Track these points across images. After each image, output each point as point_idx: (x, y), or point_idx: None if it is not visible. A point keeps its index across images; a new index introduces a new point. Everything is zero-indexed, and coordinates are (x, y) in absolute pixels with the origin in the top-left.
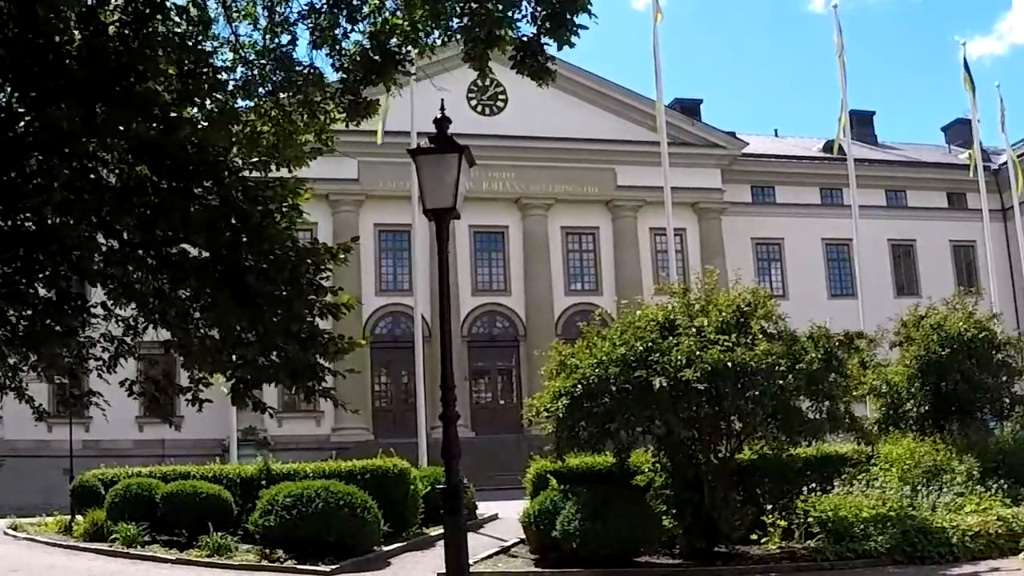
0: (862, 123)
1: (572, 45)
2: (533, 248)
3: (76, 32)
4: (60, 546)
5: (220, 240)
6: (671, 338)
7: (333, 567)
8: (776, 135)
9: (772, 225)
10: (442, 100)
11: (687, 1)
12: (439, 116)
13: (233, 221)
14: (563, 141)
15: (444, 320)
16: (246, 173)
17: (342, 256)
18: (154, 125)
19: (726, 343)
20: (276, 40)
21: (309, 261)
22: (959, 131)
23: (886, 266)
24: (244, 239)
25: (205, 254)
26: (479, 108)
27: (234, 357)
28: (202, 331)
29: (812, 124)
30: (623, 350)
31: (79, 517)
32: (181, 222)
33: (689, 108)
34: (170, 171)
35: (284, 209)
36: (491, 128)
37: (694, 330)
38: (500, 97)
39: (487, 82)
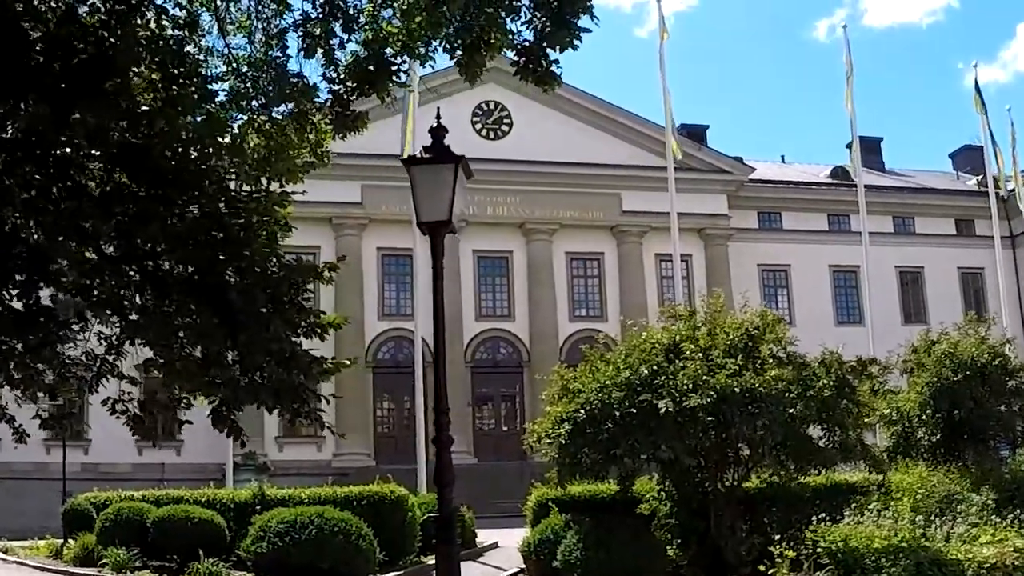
0: (870, 149)
1: (575, 48)
2: (537, 273)
3: (50, 26)
4: (49, 570)
5: (200, 253)
6: (677, 362)
7: None
8: (783, 161)
9: (779, 251)
10: (438, 108)
11: (692, 29)
12: (435, 125)
13: (214, 234)
14: (568, 166)
15: (439, 340)
16: (232, 184)
17: (327, 275)
18: (134, 129)
19: (734, 367)
20: (271, 53)
21: (292, 280)
22: (967, 158)
23: (894, 293)
24: (223, 253)
25: (189, 268)
26: (483, 132)
27: (214, 377)
28: (186, 350)
29: (819, 151)
30: (627, 374)
31: (70, 541)
32: (160, 233)
33: (695, 134)
34: (150, 180)
35: (266, 221)
36: (495, 152)
37: (700, 354)
38: (505, 121)
39: (491, 105)
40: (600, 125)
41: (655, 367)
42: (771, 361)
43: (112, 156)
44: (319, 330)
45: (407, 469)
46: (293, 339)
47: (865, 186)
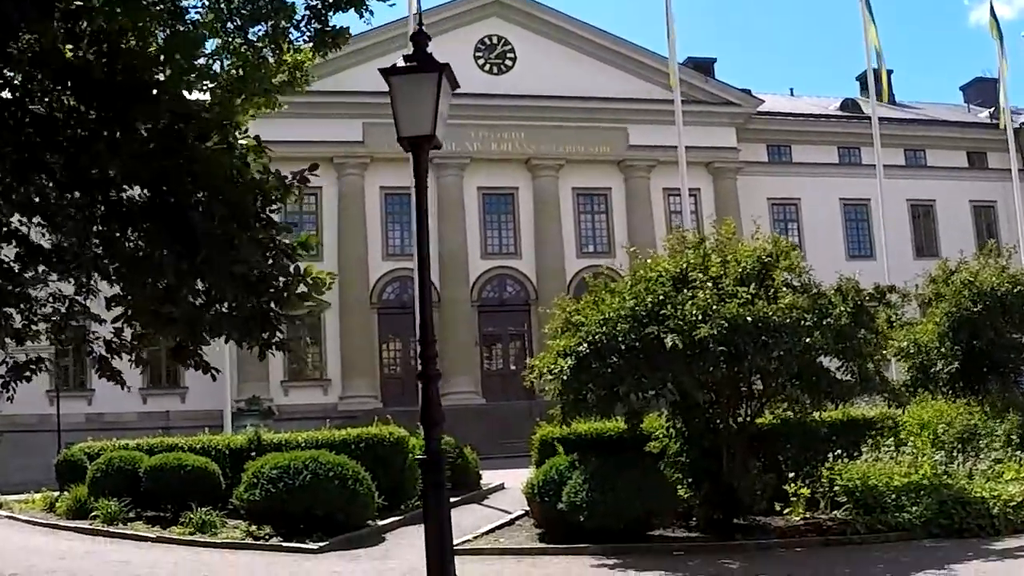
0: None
1: None
2: (544, 210)
3: None
4: (41, 524)
5: (152, 170)
6: (685, 291)
7: (321, 544)
8: (792, 94)
9: (788, 185)
10: (419, 15)
11: None
12: (416, 31)
13: (168, 148)
14: (573, 100)
15: (423, 265)
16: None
17: (295, 188)
18: (97, 48)
19: (745, 296)
20: None
21: (257, 193)
22: (979, 90)
23: (905, 227)
24: (177, 168)
25: (145, 191)
26: (487, 67)
27: (169, 313)
28: (159, 283)
29: (827, 84)
30: (633, 303)
31: (64, 494)
32: (108, 152)
33: (702, 67)
34: (101, 98)
35: (225, 127)
36: (499, 87)
37: (710, 283)
38: (508, 55)
39: (494, 40)
40: (605, 58)
41: (662, 296)
42: (785, 289)
43: (58, 74)
44: (290, 251)
45: (413, 411)
46: (261, 259)
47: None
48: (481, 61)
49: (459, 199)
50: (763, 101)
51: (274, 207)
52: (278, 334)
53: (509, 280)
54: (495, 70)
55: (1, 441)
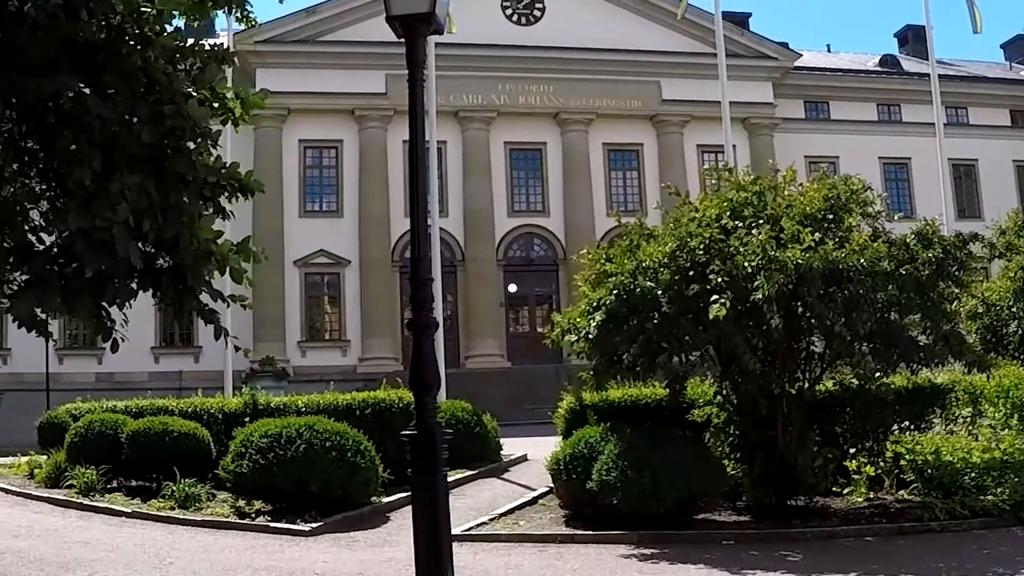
0: (918, 38)
1: None
2: (573, 166)
3: None
4: (14, 493)
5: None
6: (739, 231)
7: (314, 525)
8: (829, 51)
9: (826, 143)
10: None
11: None
12: None
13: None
14: (604, 52)
15: (416, 189)
16: None
17: (240, 114)
18: None
19: (810, 240)
20: None
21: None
22: (1020, 48)
23: (947, 186)
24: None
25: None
26: (514, 17)
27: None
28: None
29: (865, 43)
30: (673, 247)
31: (46, 459)
32: None
33: (737, 21)
34: None
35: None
36: (527, 39)
37: (767, 225)
38: (537, 6)
39: None
40: (637, 9)
41: (708, 240)
42: (856, 234)
43: None
44: (218, 190)
45: None
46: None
47: (916, 74)
48: (509, 11)
49: (485, 154)
50: (800, 55)
51: (203, 129)
52: (195, 300)
53: (536, 239)
54: (523, 21)
55: (2, 400)
